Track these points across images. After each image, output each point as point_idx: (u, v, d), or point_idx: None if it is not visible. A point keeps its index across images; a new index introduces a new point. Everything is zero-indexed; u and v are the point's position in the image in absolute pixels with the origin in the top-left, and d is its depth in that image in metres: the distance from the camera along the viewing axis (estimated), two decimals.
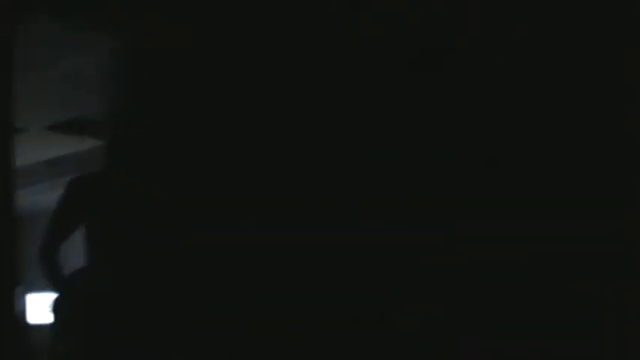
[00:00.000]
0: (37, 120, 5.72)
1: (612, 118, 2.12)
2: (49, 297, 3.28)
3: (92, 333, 3.07)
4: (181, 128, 2.96)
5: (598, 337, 2.05)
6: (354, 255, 2.40)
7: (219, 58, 2.82)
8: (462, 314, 2.23)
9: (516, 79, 2.26)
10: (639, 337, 2.02)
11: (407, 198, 2.33)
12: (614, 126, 2.12)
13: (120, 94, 3.00)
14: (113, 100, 3.04)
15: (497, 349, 2.16)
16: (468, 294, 2.23)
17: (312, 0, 2.56)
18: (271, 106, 2.67)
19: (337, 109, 2.50)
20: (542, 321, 2.12)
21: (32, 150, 6.24)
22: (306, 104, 2.58)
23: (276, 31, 2.64)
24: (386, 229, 2.34)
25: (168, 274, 2.88)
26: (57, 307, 3.18)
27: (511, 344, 2.14)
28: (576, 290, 2.09)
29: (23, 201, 3.48)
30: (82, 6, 3.70)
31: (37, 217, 4.55)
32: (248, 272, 2.67)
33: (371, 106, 2.45)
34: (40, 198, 6.12)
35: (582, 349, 2.06)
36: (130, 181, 3.06)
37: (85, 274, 3.16)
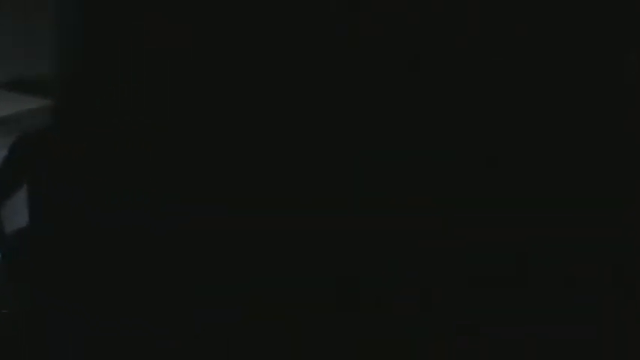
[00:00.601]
0: None
1: (612, 118, 2.16)
2: None
3: (30, 297, 2.98)
4: (134, 86, 2.89)
5: (595, 322, 2.09)
6: (352, 238, 2.41)
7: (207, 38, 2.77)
8: (461, 299, 2.25)
9: (516, 79, 2.29)
10: (637, 325, 2.06)
11: (406, 185, 2.34)
12: (614, 126, 2.16)
13: (70, 50, 2.92)
14: (62, 57, 2.93)
15: (494, 334, 2.19)
16: (466, 278, 2.25)
17: (312, 0, 2.52)
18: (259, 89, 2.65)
19: (336, 109, 2.49)
20: (541, 307, 2.16)
21: None
22: (302, 102, 2.56)
23: (274, 29, 2.60)
24: (384, 212, 2.34)
25: (111, 239, 2.82)
26: None
27: (509, 329, 2.17)
28: (574, 277, 2.14)
29: None
30: None
31: None
32: (233, 254, 2.64)
33: (370, 105, 2.45)
34: None
35: (579, 335, 2.10)
36: (78, 140, 2.96)
37: (26, 235, 3.07)
